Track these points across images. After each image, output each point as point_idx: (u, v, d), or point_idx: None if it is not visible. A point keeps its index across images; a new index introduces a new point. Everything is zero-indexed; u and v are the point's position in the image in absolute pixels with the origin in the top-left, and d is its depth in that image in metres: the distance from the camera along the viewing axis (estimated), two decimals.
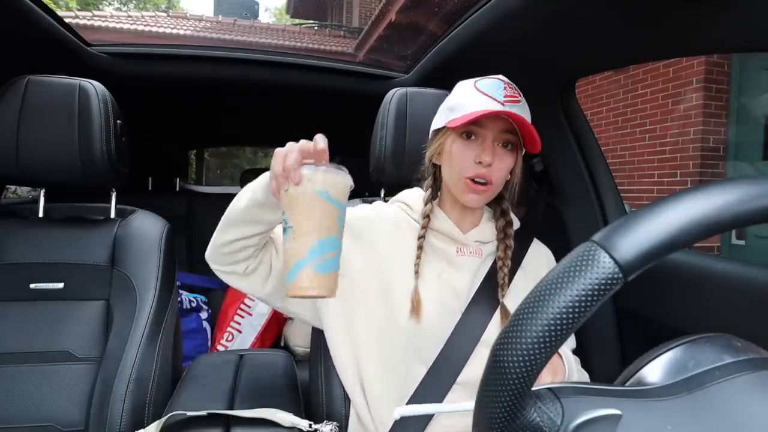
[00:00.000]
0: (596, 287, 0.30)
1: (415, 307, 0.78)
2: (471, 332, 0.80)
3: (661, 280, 0.99)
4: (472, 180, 0.78)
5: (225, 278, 0.81)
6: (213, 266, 0.82)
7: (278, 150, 0.64)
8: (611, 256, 0.30)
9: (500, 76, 0.82)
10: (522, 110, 0.78)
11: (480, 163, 0.77)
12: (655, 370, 0.36)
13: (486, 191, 0.80)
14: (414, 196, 0.91)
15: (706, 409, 0.32)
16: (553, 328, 0.30)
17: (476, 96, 0.78)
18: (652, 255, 0.30)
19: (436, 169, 0.87)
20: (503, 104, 0.76)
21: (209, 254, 0.81)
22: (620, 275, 0.30)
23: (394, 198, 0.94)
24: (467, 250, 0.85)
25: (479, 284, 0.84)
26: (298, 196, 0.61)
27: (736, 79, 3.45)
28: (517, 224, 0.91)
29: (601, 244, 0.31)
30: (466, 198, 0.80)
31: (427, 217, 0.84)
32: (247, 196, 0.73)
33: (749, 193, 0.32)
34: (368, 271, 0.83)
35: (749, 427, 0.31)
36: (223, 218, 0.77)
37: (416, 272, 0.81)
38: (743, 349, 0.36)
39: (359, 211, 0.88)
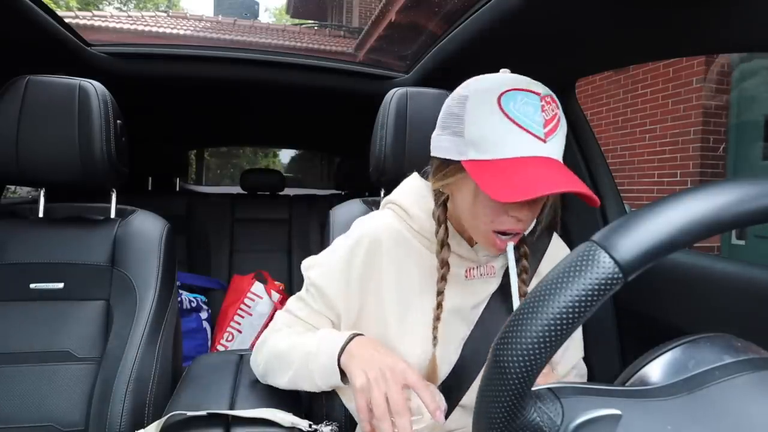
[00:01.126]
0: (596, 287, 0.30)
1: (431, 374, 0.70)
2: (477, 356, 0.73)
3: (661, 280, 0.99)
4: (501, 233, 0.65)
5: None
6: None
7: (375, 402, 0.59)
8: (611, 256, 0.30)
9: (532, 87, 0.61)
10: (560, 137, 0.61)
11: (512, 216, 0.63)
12: (655, 370, 0.36)
13: (513, 240, 0.66)
14: (411, 198, 0.77)
15: (707, 409, 0.32)
16: (553, 327, 0.30)
17: (508, 129, 0.58)
18: (652, 255, 0.30)
19: (444, 197, 0.72)
20: (545, 141, 0.58)
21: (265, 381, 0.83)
22: (620, 275, 0.30)
23: (388, 199, 0.81)
24: (477, 272, 0.75)
25: (485, 305, 0.75)
26: None
27: (736, 79, 3.45)
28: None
29: (601, 244, 0.31)
30: (490, 251, 0.69)
31: (446, 265, 0.70)
32: (305, 381, 0.72)
33: (749, 193, 0.32)
34: (371, 318, 0.74)
35: (749, 427, 0.31)
36: (282, 379, 0.77)
37: (435, 337, 0.70)
38: (743, 349, 0.36)
39: (349, 248, 0.76)
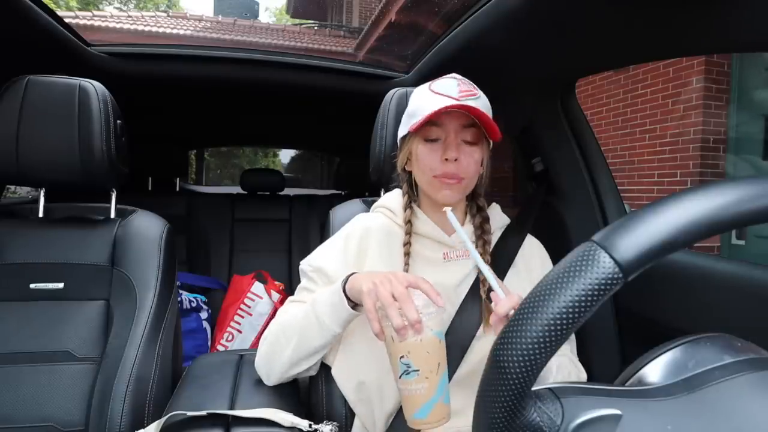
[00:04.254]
0: (596, 287, 0.30)
1: None
2: (463, 334, 0.79)
3: (661, 280, 0.99)
4: (443, 177, 0.79)
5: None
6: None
7: (381, 296, 0.65)
8: (611, 256, 0.30)
9: (454, 75, 0.82)
10: (478, 103, 0.77)
11: (447, 160, 0.77)
12: (655, 370, 0.36)
13: (458, 185, 0.79)
14: (396, 200, 0.90)
15: (706, 409, 0.32)
16: (553, 328, 0.30)
17: (432, 98, 0.78)
18: (652, 255, 0.30)
19: (409, 175, 0.87)
20: (458, 100, 0.76)
21: (273, 381, 0.85)
22: (620, 275, 0.30)
23: (376, 204, 0.94)
24: (454, 254, 0.85)
25: (470, 286, 0.83)
26: (419, 344, 0.62)
27: (736, 79, 3.45)
28: (502, 220, 0.92)
29: (601, 244, 0.31)
30: (440, 195, 0.80)
31: (409, 222, 0.84)
32: (314, 331, 0.76)
33: (749, 193, 0.32)
34: None
35: (749, 427, 0.31)
36: (287, 349, 0.80)
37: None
38: (743, 349, 0.36)
39: (343, 236, 0.88)
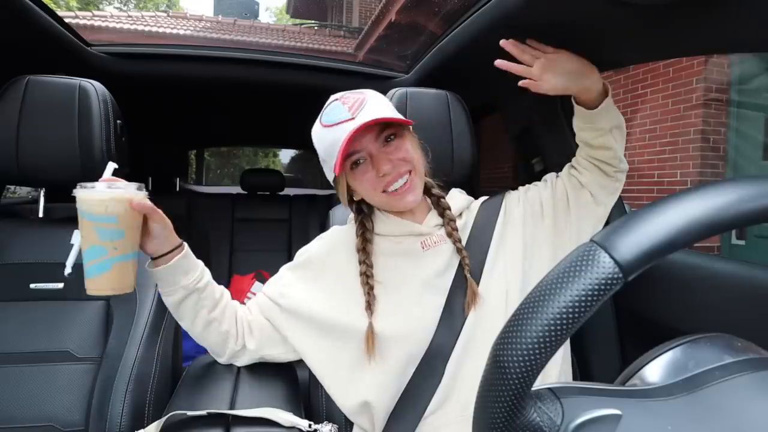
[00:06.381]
0: (596, 287, 0.30)
1: (370, 347, 0.77)
2: (453, 322, 0.79)
3: (661, 280, 0.99)
4: (390, 190, 0.79)
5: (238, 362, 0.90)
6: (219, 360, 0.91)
7: None
8: (611, 256, 0.30)
9: (335, 96, 0.82)
10: (371, 106, 0.77)
11: (383, 175, 0.77)
12: (655, 370, 0.36)
13: (410, 182, 0.79)
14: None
15: (706, 409, 0.32)
16: (553, 328, 0.30)
17: (330, 132, 0.77)
18: (653, 255, 0.30)
19: (357, 204, 0.87)
20: (353, 117, 0.75)
21: (224, 360, 0.90)
22: (620, 275, 0.30)
23: (351, 216, 0.93)
24: (431, 240, 0.84)
25: (454, 272, 0.83)
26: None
27: (736, 79, 3.45)
28: (466, 200, 0.91)
29: (601, 244, 0.31)
30: (403, 204, 0.80)
31: (362, 250, 0.83)
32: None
33: (749, 193, 0.32)
34: (334, 302, 0.83)
35: (750, 427, 0.31)
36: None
37: (369, 311, 0.79)
38: (743, 349, 0.36)
39: (311, 249, 0.90)
